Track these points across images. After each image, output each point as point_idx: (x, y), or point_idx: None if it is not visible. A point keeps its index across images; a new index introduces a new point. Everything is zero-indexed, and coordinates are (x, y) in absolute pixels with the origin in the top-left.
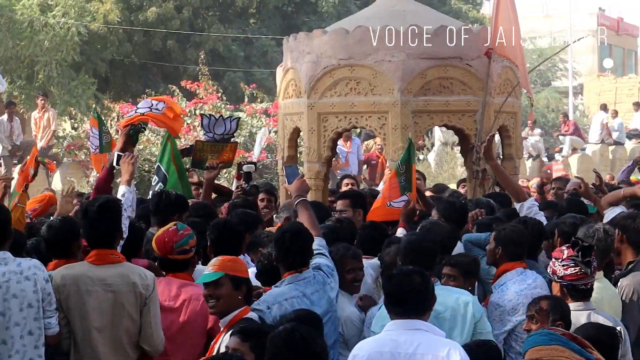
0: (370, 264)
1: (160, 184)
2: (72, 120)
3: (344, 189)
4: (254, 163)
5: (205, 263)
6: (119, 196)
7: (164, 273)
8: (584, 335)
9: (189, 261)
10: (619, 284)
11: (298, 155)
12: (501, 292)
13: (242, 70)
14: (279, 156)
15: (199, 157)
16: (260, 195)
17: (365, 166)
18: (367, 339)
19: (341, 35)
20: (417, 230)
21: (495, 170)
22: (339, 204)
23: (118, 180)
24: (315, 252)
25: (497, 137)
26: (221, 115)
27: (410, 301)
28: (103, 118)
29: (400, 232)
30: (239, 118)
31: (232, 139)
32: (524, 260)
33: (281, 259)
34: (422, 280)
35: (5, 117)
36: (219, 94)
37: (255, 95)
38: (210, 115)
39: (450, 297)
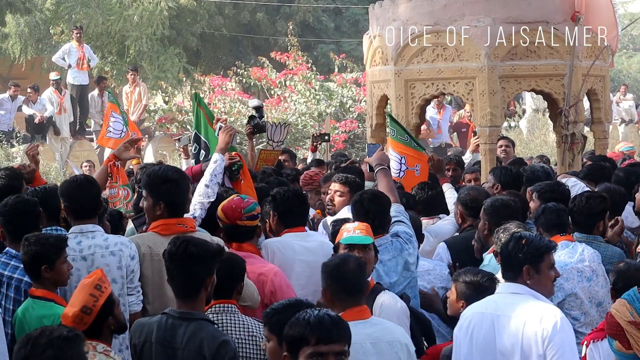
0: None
1: (202, 151)
2: (163, 94)
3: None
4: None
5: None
6: (211, 162)
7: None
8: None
9: (255, 229)
10: None
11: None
12: None
13: (333, 41)
14: (368, 124)
15: (259, 168)
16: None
17: (455, 134)
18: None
19: (426, 1)
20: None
21: None
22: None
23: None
24: (393, 219)
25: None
26: (275, 123)
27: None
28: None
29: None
30: (290, 124)
31: (281, 146)
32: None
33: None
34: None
35: (96, 92)
36: (309, 65)
37: (345, 65)
38: (273, 123)
39: None
